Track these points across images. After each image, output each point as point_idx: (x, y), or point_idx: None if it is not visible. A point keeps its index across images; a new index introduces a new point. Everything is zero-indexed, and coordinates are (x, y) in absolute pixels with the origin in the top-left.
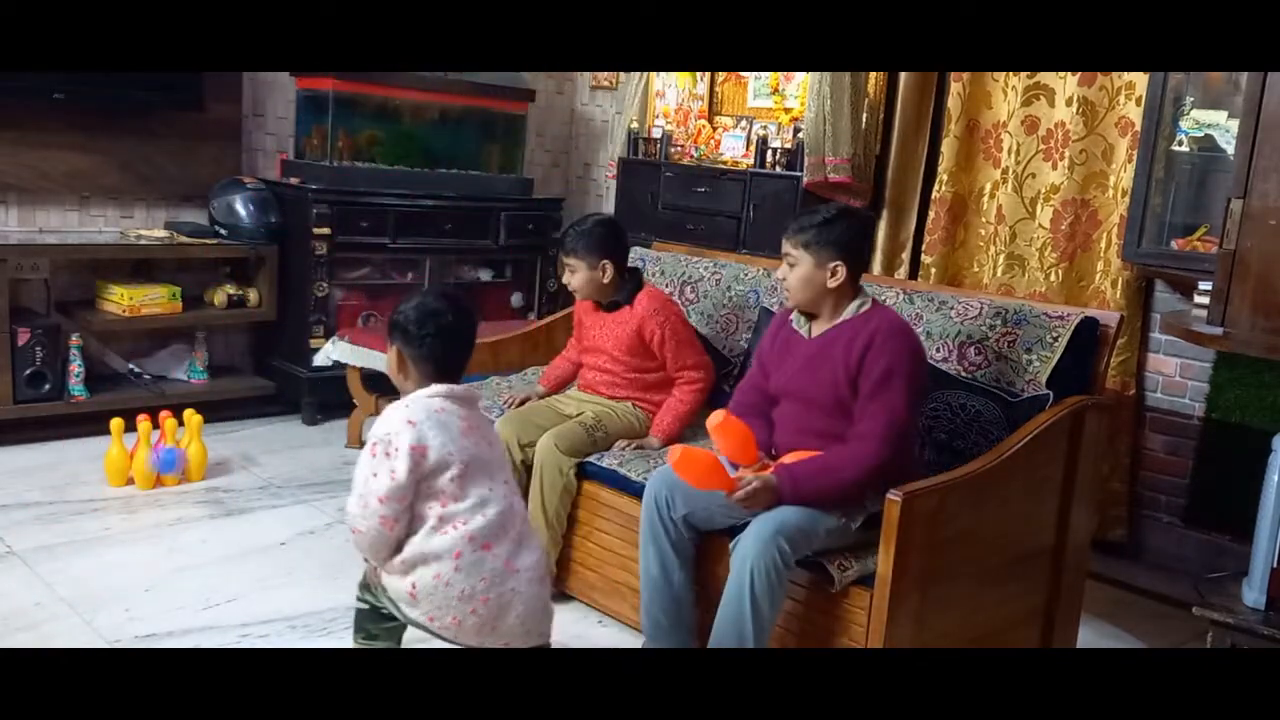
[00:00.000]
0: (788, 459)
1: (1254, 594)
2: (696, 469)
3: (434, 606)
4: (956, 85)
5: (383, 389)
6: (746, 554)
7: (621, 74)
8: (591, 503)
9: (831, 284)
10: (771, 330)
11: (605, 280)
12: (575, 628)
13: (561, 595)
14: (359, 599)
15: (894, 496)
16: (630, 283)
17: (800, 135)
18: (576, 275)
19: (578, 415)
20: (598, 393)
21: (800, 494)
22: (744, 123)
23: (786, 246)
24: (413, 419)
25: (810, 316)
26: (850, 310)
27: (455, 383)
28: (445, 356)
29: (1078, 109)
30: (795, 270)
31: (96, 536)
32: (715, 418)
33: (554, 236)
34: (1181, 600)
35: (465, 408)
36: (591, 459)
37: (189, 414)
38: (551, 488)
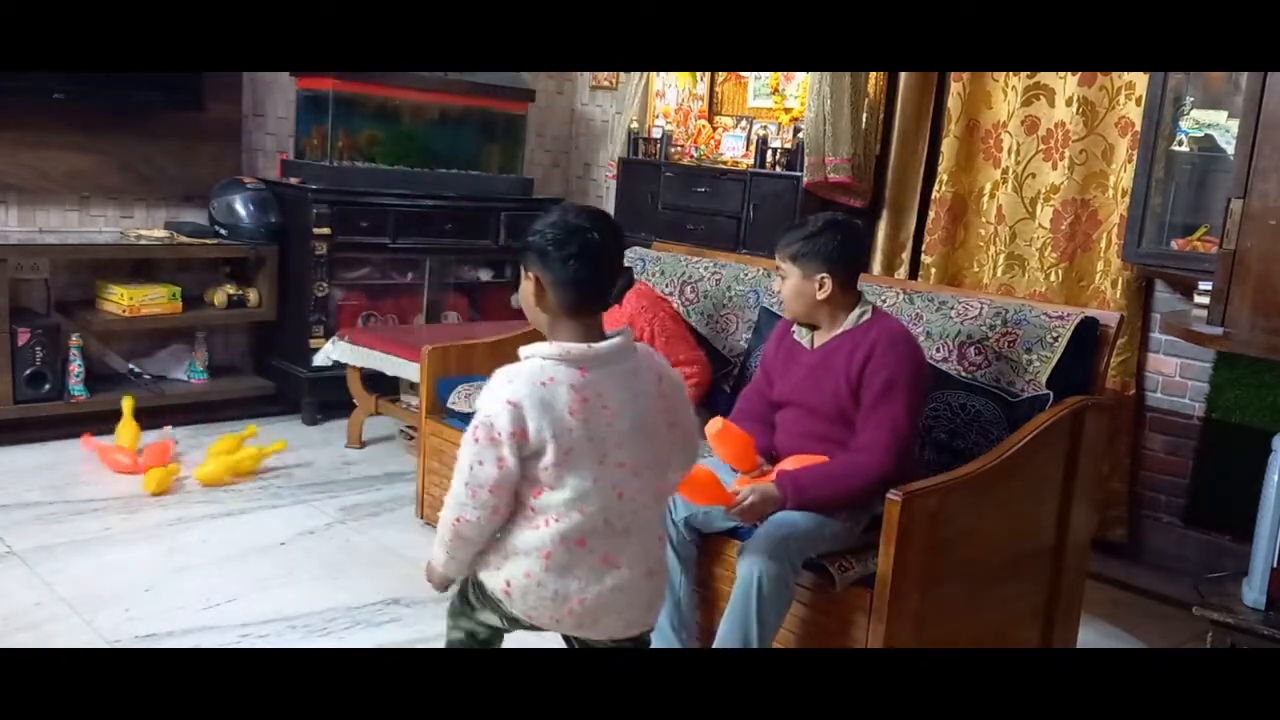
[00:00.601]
0: (789, 463)
1: (1254, 594)
2: (692, 485)
3: (529, 606)
4: (956, 85)
5: (383, 389)
6: (754, 559)
7: (621, 74)
8: None
9: (820, 295)
10: (775, 338)
11: None
12: None
13: None
14: (454, 628)
15: (894, 496)
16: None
17: (800, 135)
18: None
19: None
20: None
21: (803, 502)
22: (744, 123)
23: (777, 259)
24: (513, 399)
25: (811, 327)
26: (850, 320)
27: (597, 316)
28: (590, 282)
29: (1078, 109)
30: (786, 283)
31: (96, 536)
32: (714, 425)
33: None
34: (1181, 600)
35: (588, 372)
36: None
37: (250, 427)
38: None
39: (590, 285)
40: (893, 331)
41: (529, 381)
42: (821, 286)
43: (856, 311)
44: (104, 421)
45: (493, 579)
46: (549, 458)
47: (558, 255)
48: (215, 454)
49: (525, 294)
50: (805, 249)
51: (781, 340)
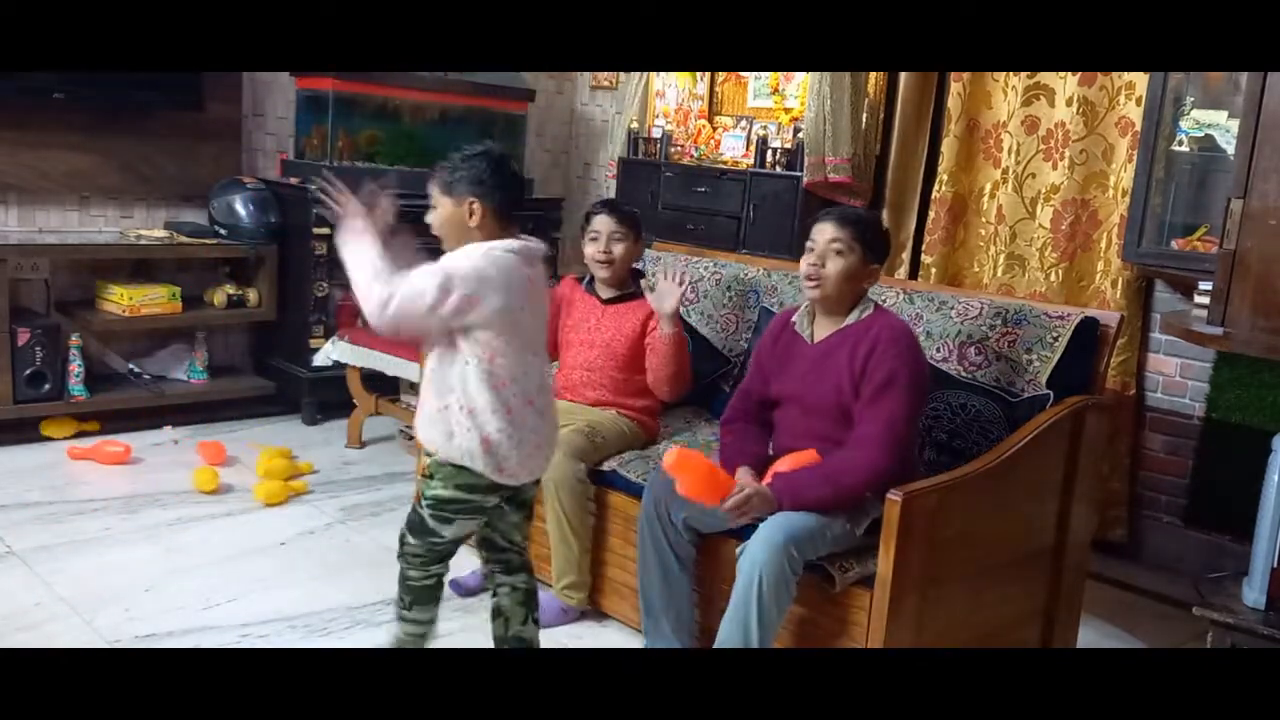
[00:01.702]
0: (783, 463)
1: (1254, 594)
2: (692, 476)
3: (501, 456)
4: (956, 85)
5: (382, 389)
6: (756, 560)
7: (621, 74)
8: (591, 504)
9: (866, 285)
10: (771, 333)
11: (633, 262)
12: (575, 627)
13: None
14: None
15: (894, 496)
16: (638, 278)
17: (800, 135)
18: (621, 245)
19: (565, 426)
20: (579, 397)
21: (800, 505)
22: (744, 123)
23: (835, 231)
24: (485, 274)
25: (811, 318)
26: (855, 314)
27: (517, 232)
28: (518, 197)
29: (1078, 109)
30: (842, 261)
31: (96, 536)
32: (670, 456)
33: (554, 236)
34: (1182, 600)
35: (529, 266)
36: None
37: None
38: (570, 498)
39: (516, 198)
40: (895, 328)
41: (504, 267)
42: (870, 277)
43: (860, 306)
44: (104, 421)
45: (469, 442)
46: (499, 328)
47: (494, 180)
48: (268, 471)
49: (457, 218)
50: (865, 234)
51: (779, 335)
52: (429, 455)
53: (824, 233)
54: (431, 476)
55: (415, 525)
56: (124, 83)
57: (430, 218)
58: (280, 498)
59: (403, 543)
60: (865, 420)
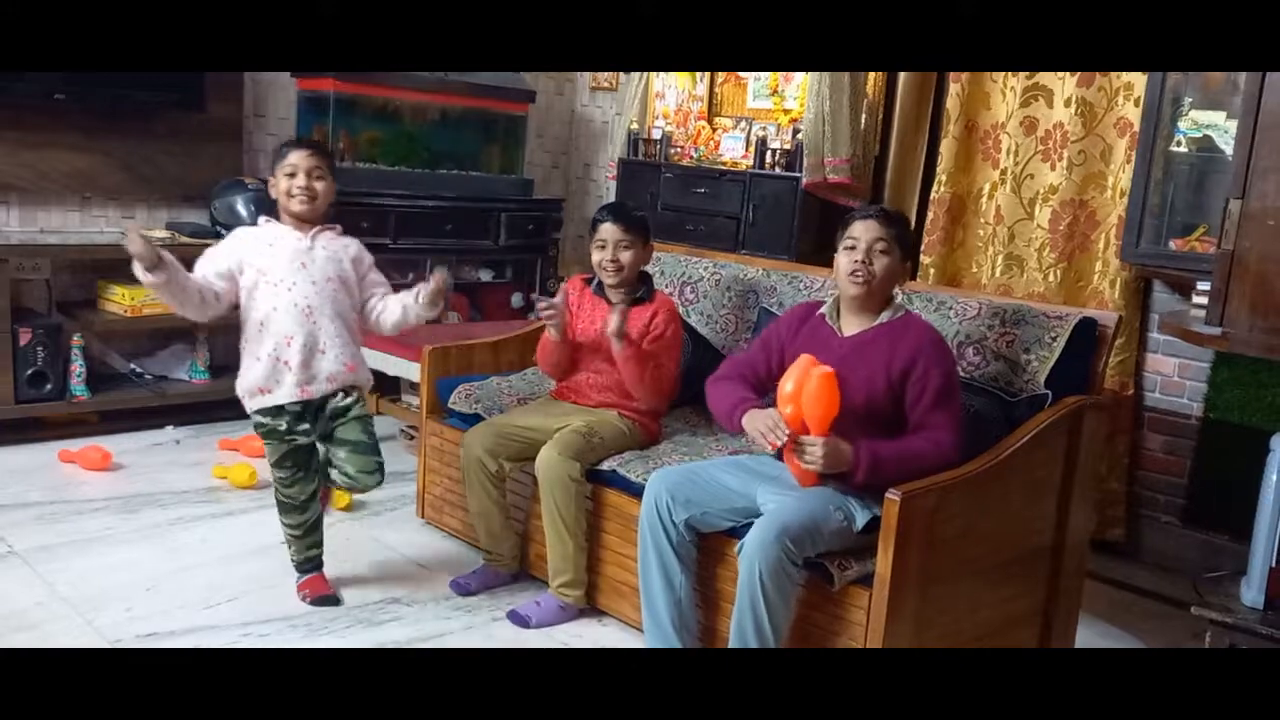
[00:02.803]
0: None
1: (1252, 593)
2: (827, 390)
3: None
4: (955, 86)
5: (383, 389)
6: (754, 555)
7: (621, 74)
8: (589, 502)
9: (899, 284)
10: (792, 321)
11: (642, 266)
12: (574, 626)
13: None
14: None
15: (893, 496)
16: (646, 281)
17: (799, 136)
18: (629, 252)
19: (564, 426)
20: (584, 400)
21: (877, 475)
22: (743, 124)
23: (880, 230)
24: None
25: (838, 313)
26: (887, 314)
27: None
28: None
29: (1076, 110)
30: (887, 259)
31: (96, 536)
32: (823, 367)
33: (554, 237)
34: (1180, 600)
35: None
36: None
37: None
38: (564, 496)
39: None
40: (934, 333)
41: None
42: (904, 275)
43: (891, 307)
44: (103, 421)
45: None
46: None
47: None
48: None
49: (329, 193)
50: (903, 235)
51: (803, 323)
52: (353, 389)
53: (870, 230)
54: (360, 401)
55: (374, 441)
56: (125, 83)
57: (319, 188)
58: (346, 500)
59: (380, 464)
60: (937, 425)
